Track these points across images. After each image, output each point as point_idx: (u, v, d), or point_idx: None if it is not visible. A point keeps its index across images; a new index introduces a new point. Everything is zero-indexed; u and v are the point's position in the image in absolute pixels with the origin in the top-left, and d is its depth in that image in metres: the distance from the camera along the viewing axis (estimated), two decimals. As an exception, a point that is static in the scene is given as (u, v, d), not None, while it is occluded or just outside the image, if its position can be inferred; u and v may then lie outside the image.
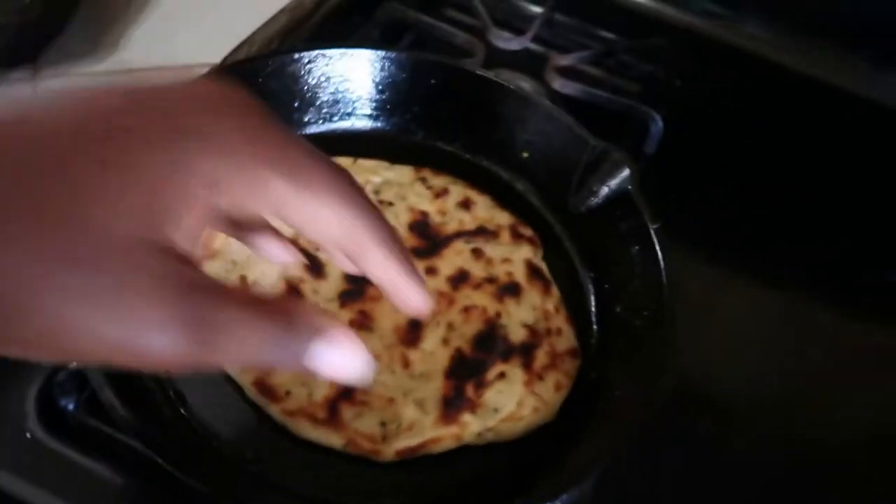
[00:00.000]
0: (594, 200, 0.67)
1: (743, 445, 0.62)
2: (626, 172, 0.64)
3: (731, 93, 0.93)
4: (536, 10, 1.02)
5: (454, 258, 0.64)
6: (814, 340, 0.70)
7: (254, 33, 0.90)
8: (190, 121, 0.28)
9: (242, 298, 0.27)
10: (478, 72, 0.71)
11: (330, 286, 0.58)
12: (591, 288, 0.65)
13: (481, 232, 0.66)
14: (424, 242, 0.65)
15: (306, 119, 0.72)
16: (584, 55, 0.95)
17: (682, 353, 0.55)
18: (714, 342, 0.67)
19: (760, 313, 0.74)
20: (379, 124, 0.74)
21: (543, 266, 0.66)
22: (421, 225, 0.66)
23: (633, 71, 0.99)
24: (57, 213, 0.24)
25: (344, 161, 0.69)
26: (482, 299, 0.61)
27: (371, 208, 0.32)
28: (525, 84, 0.88)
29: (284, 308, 0.28)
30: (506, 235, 0.67)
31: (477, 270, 0.63)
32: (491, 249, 0.65)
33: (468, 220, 0.67)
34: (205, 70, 0.78)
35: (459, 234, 0.65)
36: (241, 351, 0.27)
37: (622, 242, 0.63)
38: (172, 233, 0.26)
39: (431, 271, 0.62)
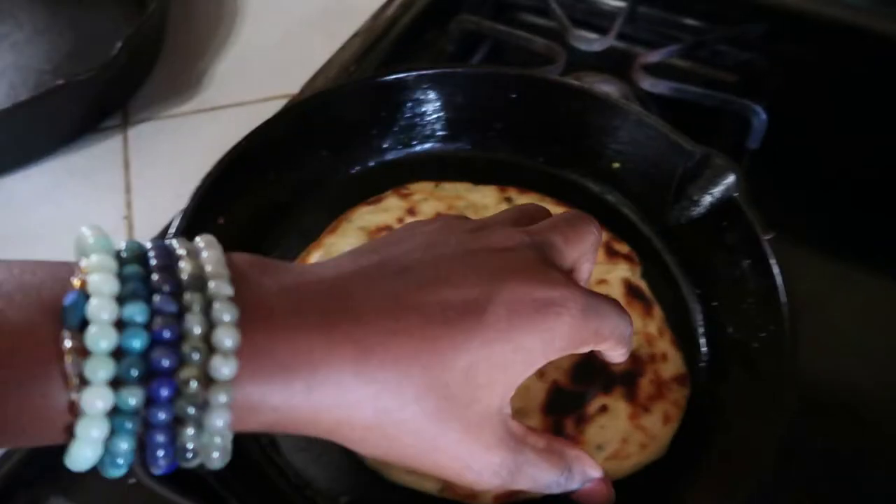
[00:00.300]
0: (696, 210, 0.62)
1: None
2: (730, 178, 0.59)
3: (840, 76, 0.84)
4: (617, 4, 0.96)
5: None
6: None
7: (329, 60, 0.90)
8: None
9: (541, 448, 0.40)
10: (557, 79, 0.67)
11: None
12: (697, 307, 0.60)
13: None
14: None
15: (385, 146, 0.71)
16: (673, 49, 0.89)
17: (808, 367, 0.49)
18: (841, 350, 0.61)
19: (889, 315, 0.66)
20: (459, 144, 0.72)
21: (643, 284, 0.61)
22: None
23: (727, 60, 0.92)
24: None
25: (426, 186, 0.67)
26: None
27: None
28: (611, 87, 0.84)
29: (564, 454, 0.41)
30: (599, 253, 0.62)
31: None
32: None
33: None
34: (284, 101, 0.78)
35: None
36: (532, 485, 0.39)
37: (731, 256, 0.57)
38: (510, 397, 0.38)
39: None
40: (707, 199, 0.60)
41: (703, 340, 0.58)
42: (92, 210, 0.73)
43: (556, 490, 0.40)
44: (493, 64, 0.86)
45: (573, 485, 0.41)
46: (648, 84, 0.82)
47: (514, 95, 0.69)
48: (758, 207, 0.58)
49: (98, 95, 0.78)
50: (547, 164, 0.71)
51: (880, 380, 0.61)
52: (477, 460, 0.35)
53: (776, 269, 0.53)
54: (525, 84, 0.68)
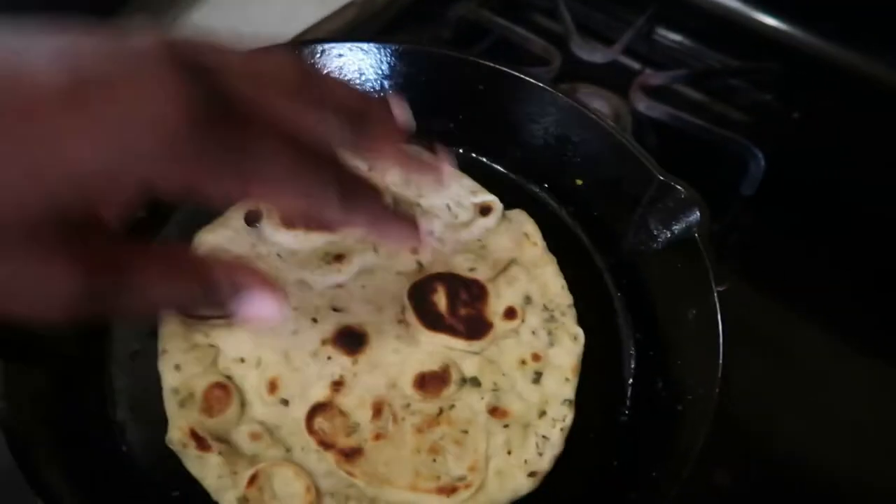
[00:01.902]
0: (654, 245, 0.54)
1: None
2: (694, 215, 0.51)
3: (857, 133, 0.76)
4: (634, 19, 0.89)
5: None
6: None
7: (316, 24, 0.84)
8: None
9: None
10: (530, 79, 0.60)
11: None
12: (632, 354, 0.52)
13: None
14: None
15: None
16: (679, 74, 0.82)
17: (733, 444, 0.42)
18: (777, 434, 0.54)
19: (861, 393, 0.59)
20: (419, 130, 0.65)
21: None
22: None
23: (739, 98, 0.85)
24: None
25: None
26: None
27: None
28: (602, 102, 0.77)
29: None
30: None
31: None
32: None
33: None
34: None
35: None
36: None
37: (678, 302, 0.50)
38: None
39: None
40: (666, 235, 0.53)
41: (629, 392, 0.50)
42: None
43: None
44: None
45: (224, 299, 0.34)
46: (644, 105, 0.75)
47: (481, 87, 0.62)
48: (722, 255, 0.51)
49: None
50: (510, 169, 0.64)
51: (820, 466, 0.53)
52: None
53: (720, 328, 0.46)
54: (494, 77, 0.61)
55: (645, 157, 0.56)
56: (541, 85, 0.60)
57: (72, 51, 0.29)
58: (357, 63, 0.63)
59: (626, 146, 0.56)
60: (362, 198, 0.36)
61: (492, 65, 0.61)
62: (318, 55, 0.61)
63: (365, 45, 0.62)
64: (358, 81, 0.63)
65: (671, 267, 0.52)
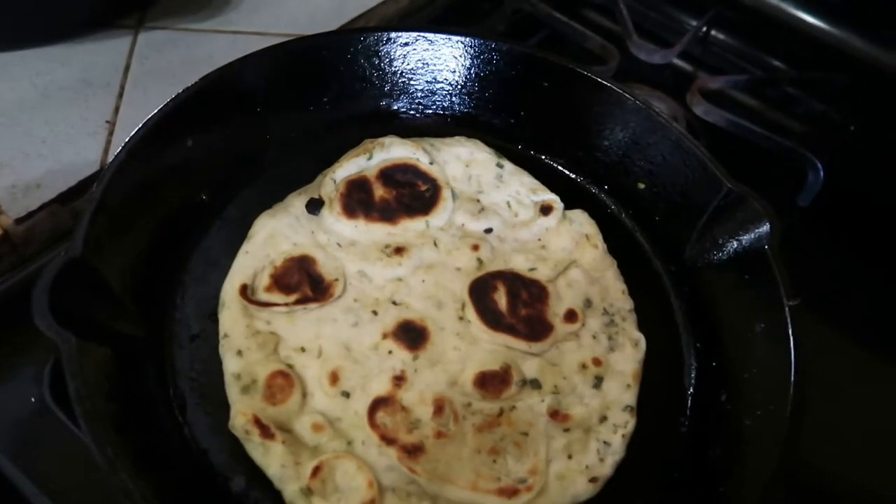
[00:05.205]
0: (718, 255, 0.54)
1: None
2: (764, 228, 0.50)
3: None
4: (691, 22, 0.88)
5: None
6: None
7: (372, 9, 0.83)
8: None
9: None
10: (599, 79, 0.59)
11: None
12: (693, 363, 0.52)
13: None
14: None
15: (396, 107, 0.64)
16: (739, 80, 0.80)
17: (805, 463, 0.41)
18: (850, 453, 0.52)
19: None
20: (477, 129, 0.64)
21: None
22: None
23: (797, 107, 0.83)
24: None
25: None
26: None
27: None
28: (661, 105, 0.76)
29: None
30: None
31: None
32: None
33: None
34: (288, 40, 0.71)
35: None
36: None
37: (745, 315, 0.49)
38: None
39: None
40: (733, 245, 0.52)
41: (689, 400, 0.50)
42: (76, 106, 0.68)
43: None
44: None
45: None
46: (702, 110, 0.74)
47: (546, 84, 0.61)
48: (789, 268, 0.50)
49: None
50: (568, 167, 0.63)
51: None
52: None
53: (792, 342, 0.45)
54: (562, 75, 0.60)
55: (715, 165, 0.55)
56: (612, 86, 0.59)
57: None
58: (421, 53, 0.62)
59: (695, 152, 0.56)
60: None
61: (563, 63, 0.60)
62: (383, 42, 0.61)
63: (431, 35, 0.61)
64: (420, 71, 0.63)
65: (738, 278, 0.51)
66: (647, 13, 0.90)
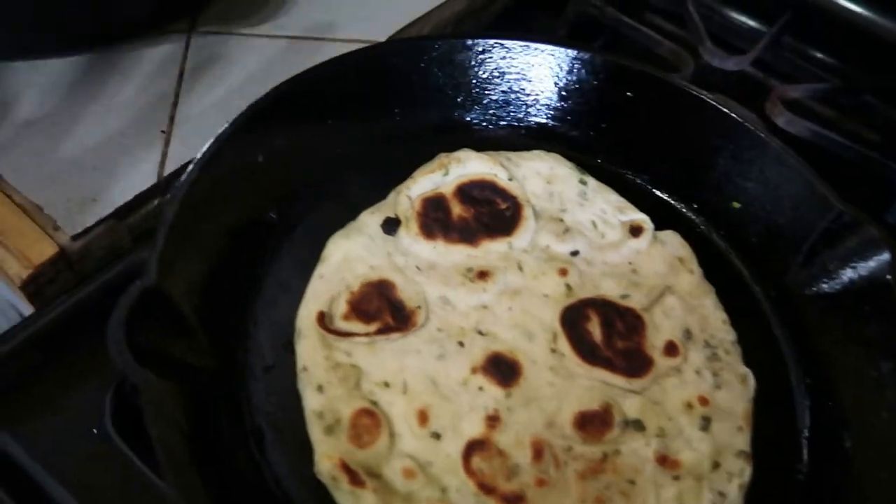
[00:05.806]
0: (829, 284, 0.50)
1: None
2: (884, 256, 0.46)
3: None
4: (760, 27, 0.84)
5: None
6: None
7: (427, 13, 0.79)
8: None
9: None
10: (689, 87, 0.56)
11: None
12: (806, 402, 0.48)
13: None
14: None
15: (468, 118, 0.60)
16: (819, 88, 0.76)
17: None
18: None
19: None
20: (552, 140, 0.60)
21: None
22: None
23: (874, 116, 0.79)
24: None
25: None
26: None
27: None
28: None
29: None
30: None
31: None
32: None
33: None
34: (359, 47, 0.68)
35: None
36: None
37: (867, 352, 0.45)
38: None
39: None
40: (847, 274, 0.48)
41: (805, 444, 0.46)
42: (130, 115, 0.65)
43: None
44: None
45: None
46: (784, 120, 0.69)
47: (629, 94, 0.57)
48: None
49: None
50: (652, 183, 0.59)
51: None
52: None
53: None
54: (649, 85, 0.57)
55: (822, 184, 0.51)
56: (703, 97, 0.55)
57: None
58: (497, 62, 0.58)
59: (800, 170, 0.51)
60: None
61: (651, 72, 0.56)
62: (459, 50, 0.57)
63: (508, 43, 0.58)
64: (495, 80, 0.59)
65: (855, 310, 0.47)
66: (714, 16, 0.86)
